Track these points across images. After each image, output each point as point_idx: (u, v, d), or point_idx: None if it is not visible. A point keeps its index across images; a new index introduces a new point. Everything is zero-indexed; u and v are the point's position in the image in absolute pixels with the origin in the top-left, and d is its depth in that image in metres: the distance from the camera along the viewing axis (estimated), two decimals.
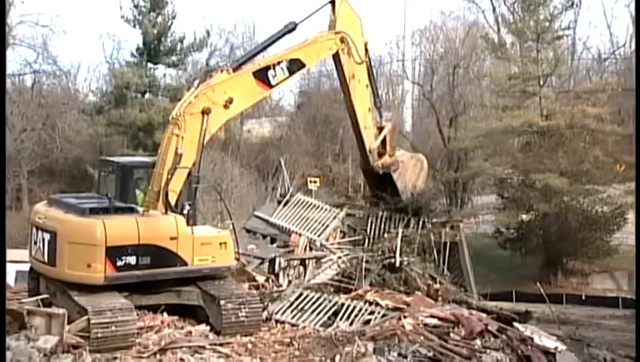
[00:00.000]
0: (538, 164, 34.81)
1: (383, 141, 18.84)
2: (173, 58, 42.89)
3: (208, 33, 45.21)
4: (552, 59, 37.88)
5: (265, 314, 13.99)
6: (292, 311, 14.43)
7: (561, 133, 35.80)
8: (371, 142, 18.51)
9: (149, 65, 42.43)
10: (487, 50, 44.37)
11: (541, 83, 37.45)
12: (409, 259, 17.24)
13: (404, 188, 19.00)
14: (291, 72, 15.91)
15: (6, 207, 26.40)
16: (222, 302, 13.01)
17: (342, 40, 17.03)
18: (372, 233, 18.83)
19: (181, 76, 45.18)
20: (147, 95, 42.19)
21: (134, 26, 41.66)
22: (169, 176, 13.78)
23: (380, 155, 18.80)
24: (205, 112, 14.15)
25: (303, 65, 16.21)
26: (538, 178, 34.46)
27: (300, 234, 18.37)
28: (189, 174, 14.04)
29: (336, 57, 17.34)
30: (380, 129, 18.86)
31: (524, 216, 36.17)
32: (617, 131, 35.84)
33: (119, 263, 12.43)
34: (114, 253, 12.38)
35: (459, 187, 43.33)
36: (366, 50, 17.72)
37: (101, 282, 12.34)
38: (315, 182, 33.70)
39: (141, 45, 41.94)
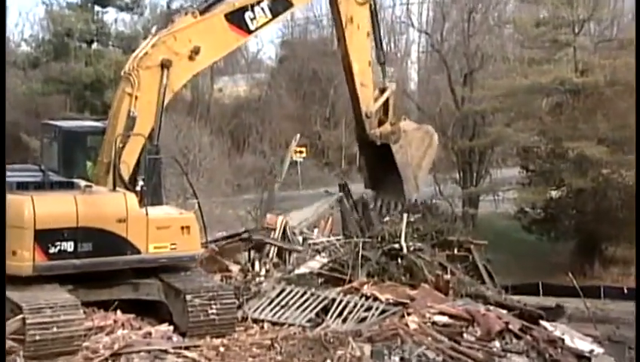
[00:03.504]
0: (571, 130, 34.96)
1: (385, 107, 18.27)
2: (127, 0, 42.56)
3: None
4: (590, 1, 37.81)
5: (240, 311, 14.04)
6: (272, 309, 14.51)
7: (600, 92, 35.90)
8: (369, 104, 17.85)
9: (97, 8, 42.05)
10: None
11: (576, 30, 37.44)
12: (415, 245, 17.33)
13: (405, 165, 18.30)
14: (275, 14, 15.55)
15: None
16: (188, 297, 13.01)
17: None
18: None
19: (137, 22, 44.84)
20: (95, 45, 41.88)
21: None
22: (120, 145, 13.72)
23: (380, 123, 18.19)
24: (165, 66, 14.02)
25: (290, 5, 15.87)
26: (571, 146, 34.63)
27: (278, 214, 18.48)
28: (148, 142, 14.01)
29: None
30: (382, 91, 18.24)
31: (554, 193, 36.38)
32: None
33: (52, 250, 12.38)
34: (46, 237, 12.32)
35: (475, 158, 43.41)
36: None
37: (29, 273, 12.29)
38: (301, 152, 33.63)
39: None
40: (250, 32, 15.32)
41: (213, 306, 13.08)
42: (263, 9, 15.22)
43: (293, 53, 57.68)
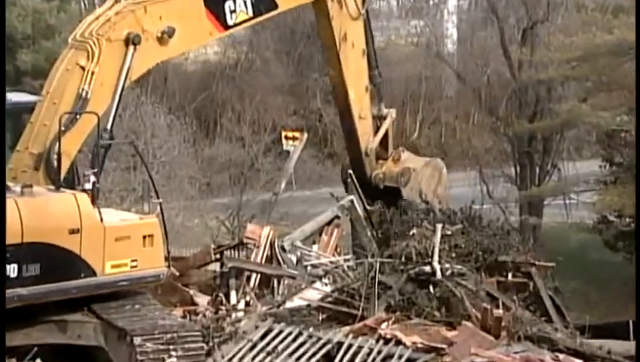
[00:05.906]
0: None
1: (384, 138, 20.42)
2: None
3: None
4: None
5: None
6: (255, 356, 14.55)
7: None
8: (368, 139, 20.07)
9: None
10: None
11: None
12: (453, 268, 17.35)
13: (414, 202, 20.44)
14: (257, 13, 17.65)
15: None
16: (137, 341, 13.03)
17: None
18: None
19: None
20: None
21: None
22: (62, 129, 13.85)
23: (378, 158, 20.35)
24: (133, 42, 14.90)
25: (275, 7, 17.96)
26: None
27: (263, 225, 19.01)
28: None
29: (320, 5, 19.05)
30: (379, 119, 20.39)
31: None
32: None
33: None
34: None
35: (537, 146, 43.47)
36: (363, 1, 19.56)
37: None
38: (294, 138, 33.68)
39: None
40: (226, 27, 17.31)
41: (173, 353, 13.12)
42: (245, 2, 17.23)
43: None
